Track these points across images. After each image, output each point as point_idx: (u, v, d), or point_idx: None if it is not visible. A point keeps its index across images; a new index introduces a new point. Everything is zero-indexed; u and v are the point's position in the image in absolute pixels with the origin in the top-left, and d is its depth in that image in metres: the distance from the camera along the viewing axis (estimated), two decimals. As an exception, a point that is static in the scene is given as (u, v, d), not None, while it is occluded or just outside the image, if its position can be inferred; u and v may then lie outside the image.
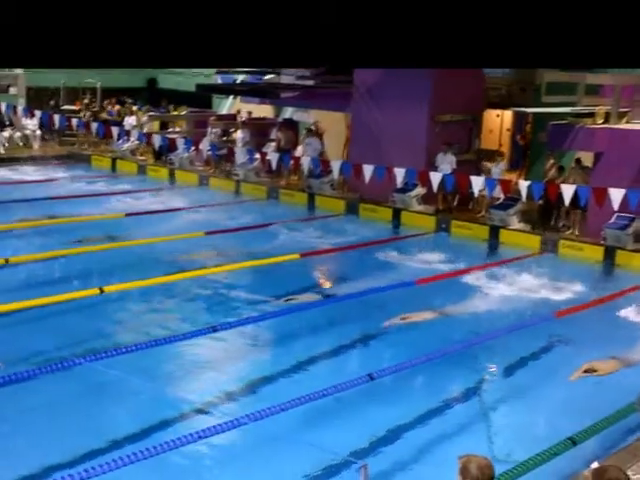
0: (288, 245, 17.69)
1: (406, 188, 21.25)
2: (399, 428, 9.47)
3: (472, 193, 19.29)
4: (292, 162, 23.28)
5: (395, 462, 8.66)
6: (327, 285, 16.26)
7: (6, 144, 28.97)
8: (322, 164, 21.89)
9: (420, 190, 21.13)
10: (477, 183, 18.59)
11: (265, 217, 20.48)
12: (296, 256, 16.48)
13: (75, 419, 9.25)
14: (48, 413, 9.38)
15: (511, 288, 15.19)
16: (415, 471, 8.55)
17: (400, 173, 19.72)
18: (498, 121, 25.53)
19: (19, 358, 10.67)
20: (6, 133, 29.05)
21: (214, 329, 11.70)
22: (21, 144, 29.54)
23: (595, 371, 10.78)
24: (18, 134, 29.45)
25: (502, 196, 19.93)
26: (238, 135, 26.61)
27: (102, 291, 13.13)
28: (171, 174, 26.57)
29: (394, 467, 8.54)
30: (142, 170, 27.29)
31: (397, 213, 21.50)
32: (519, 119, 25.38)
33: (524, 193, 18.05)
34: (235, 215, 20.67)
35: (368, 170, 20.05)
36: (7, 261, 14.95)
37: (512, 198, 19.60)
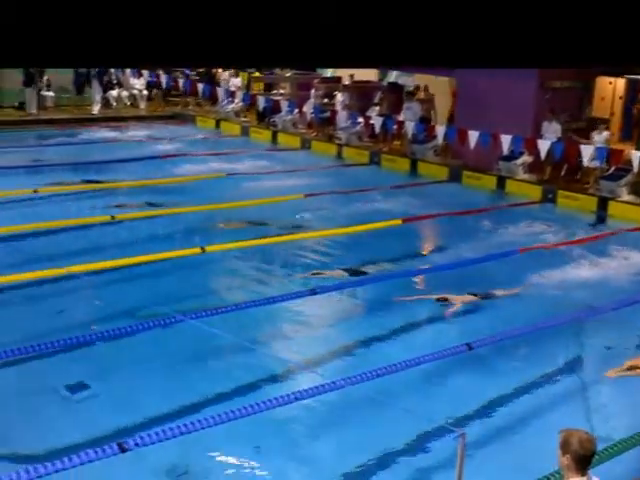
0: (389, 210, 17.52)
1: (512, 156, 20.74)
2: (497, 399, 9.31)
3: (581, 162, 18.70)
4: (395, 127, 23.08)
5: (492, 433, 8.52)
6: (429, 251, 16.06)
7: (114, 103, 29.62)
8: (427, 129, 21.61)
9: (526, 158, 20.61)
10: (587, 152, 18.04)
11: (367, 182, 20.32)
12: (398, 222, 16.32)
13: (173, 375, 9.39)
14: (148, 367, 9.55)
15: (618, 261, 14.70)
16: (512, 443, 8.38)
17: (506, 140, 19.32)
18: (610, 88, 24.70)
19: (123, 313, 10.90)
20: (114, 92, 29.68)
21: (313, 292, 11.70)
22: (128, 103, 30.14)
23: (638, 369, 10.37)
24: (125, 93, 30.05)
25: (610, 166, 19.26)
26: (338, 98, 26.45)
27: (204, 250, 13.29)
28: (274, 136, 26.68)
29: (491, 437, 8.40)
30: (245, 132, 27.50)
31: (502, 181, 21.02)
32: (632, 87, 24.52)
33: (636, 164, 17.43)
34: (336, 179, 20.58)
35: (473, 136, 19.72)
36: (113, 218, 15.26)
37: (623, 169, 18.93)
